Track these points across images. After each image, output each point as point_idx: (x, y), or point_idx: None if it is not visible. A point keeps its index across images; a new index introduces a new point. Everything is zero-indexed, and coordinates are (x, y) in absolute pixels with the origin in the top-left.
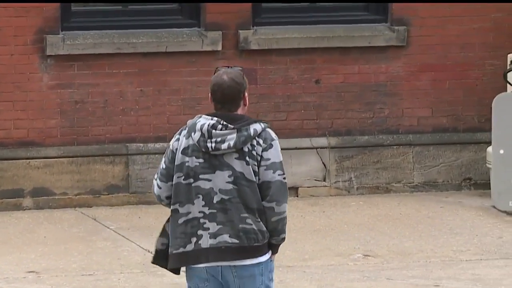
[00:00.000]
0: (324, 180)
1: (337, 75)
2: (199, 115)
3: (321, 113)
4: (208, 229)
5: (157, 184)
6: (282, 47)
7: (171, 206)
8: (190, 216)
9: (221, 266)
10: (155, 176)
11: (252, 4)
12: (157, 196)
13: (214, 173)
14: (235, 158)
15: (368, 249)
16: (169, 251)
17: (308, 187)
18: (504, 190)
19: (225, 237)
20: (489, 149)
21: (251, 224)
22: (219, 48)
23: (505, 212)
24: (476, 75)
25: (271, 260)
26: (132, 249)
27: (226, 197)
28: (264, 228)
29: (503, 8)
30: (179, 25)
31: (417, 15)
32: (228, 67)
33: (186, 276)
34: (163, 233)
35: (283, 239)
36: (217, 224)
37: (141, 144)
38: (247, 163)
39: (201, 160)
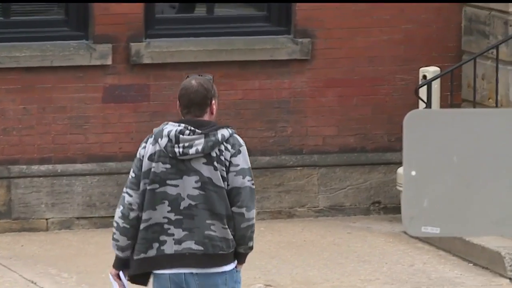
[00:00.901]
0: None
1: (236, 91)
2: (166, 122)
3: None
4: (173, 235)
5: (128, 193)
6: (177, 61)
7: (135, 212)
8: (151, 222)
9: (184, 273)
10: (124, 189)
11: (144, 15)
12: (128, 205)
13: (181, 178)
14: (203, 163)
15: (270, 278)
16: (131, 257)
17: None
18: (416, 214)
19: (190, 244)
20: (400, 170)
21: (216, 232)
22: (109, 62)
23: (417, 238)
24: (386, 91)
25: (237, 271)
26: (14, 280)
27: (193, 203)
28: (230, 237)
29: (414, 19)
30: (66, 37)
31: (323, 27)
32: (199, 75)
33: (153, 285)
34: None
35: (251, 248)
36: (182, 231)
37: (25, 166)
38: (215, 169)
39: (168, 166)
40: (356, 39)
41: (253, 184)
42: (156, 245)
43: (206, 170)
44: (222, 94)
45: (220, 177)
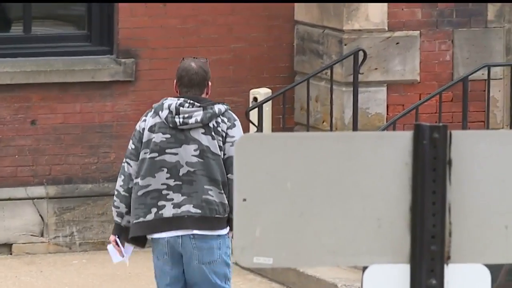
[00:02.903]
0: (42, 235)
1: (56, 115)
2: (165, 98)
3: (38, 158)
4: (172, 199)
5: (128, 163)
6: None
7: (134, 180)
8: (150, 188)
9: (181, 236)
10: (124, 160)
11: None
12: (128, 175)
13: (181, 147)
14: (201, 133)
15: None
16: (130, 222)
17: (23, 243)
18: (248, 244)
19: (189, 207)
20: None
21: (213, 196)
22: None
23: (248, 269)
24: None
25: (228, 237)
26: None
27: (192, 169)
28: (226, 202)
29: (244, 38)
30: None
31: (147, 46)
32: (194, 57)
33: (152, 249)
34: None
35: None
36: (181, 195)
37: None
38: (213, 138)
39: (167, 136)
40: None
41: None
42: (154, 210)
43: (204, 139)
44: (41, 118)
45: (217, 146)
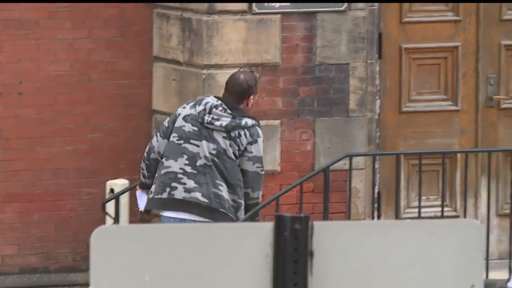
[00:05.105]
0: None
1: None
2: (208, 95)
3: None
4: (185, 184)
5: (157, 138)
6: None
7: (162, 159)
8: (170, 169)
9: (184, 219)
10: (156, 132)
11: None
12: (152, 147)
13: (202, 141)
14: (222, 137)
15: None
16: (149, 196)
17: None
18: None
19: (198, 195)
20: None
21: (222, 192)
22: None
23: None
24: (71, 206)
25: None
26: None
27: (208, 163)
28: (233, 202)
29: (101, 128)
30: None
31: (1, 137)
32: (251, 71)
33: None
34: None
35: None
36: (194, 183)
37: None
38: (231, 145)
39: (195, 128)
40: (37, 149)
41: (261, 170)
42: (168, 189)
43: (223, 143)
44: None
45: (232, 153)
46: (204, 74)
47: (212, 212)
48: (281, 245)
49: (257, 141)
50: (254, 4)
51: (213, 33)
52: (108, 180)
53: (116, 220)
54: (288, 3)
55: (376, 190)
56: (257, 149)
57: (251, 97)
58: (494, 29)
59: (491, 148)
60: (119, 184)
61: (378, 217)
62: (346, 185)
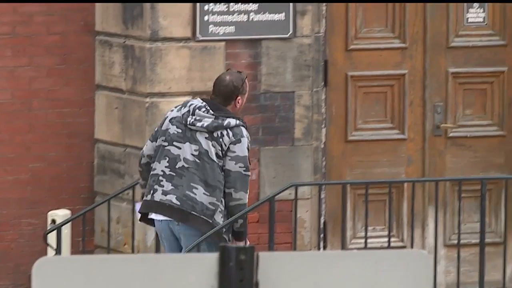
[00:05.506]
0: None
1: None
2: (196, 97)
3: None
4: (163, 186)
5: (148, 142)
6: None
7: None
8: (154, 172)
9: (162, 221)
10: (149, 138)
11: None
12: (142, 152)
13: (184, 143)
14: (205, 137)
15: None
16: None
17: None
18: None
19: (172, 198)
20: None
21: (196, 195)
22: None
23: None
24: (11, 237)
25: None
26: None
27: (186, 166)
28: (208, 204)
29: (42, 158)
30: None
31: None
32: (238, 71)
33: None
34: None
35: (241, 225)
36: (171, 185)
37: None
38: (213, 146)
39: (179, 130)
40: None
41: (244, 170)
42: (151, 191)
43: (205, 144)
44: None
45: (215, 154)
46: (147, 102)
47: (183, 214)
48: (226, 276)
49: (240, 140)
50: (197, 31)
51: (156, 61)
52: (49, 211)
53: (58, 251)
54: (232, 30)
55: (322, 220)
56: (240, 149)
57: (239, 97)
58: (441, 56)
59: (438, 178)
60: (60, 214)
61: (324, 247)
62: (292, 215)
